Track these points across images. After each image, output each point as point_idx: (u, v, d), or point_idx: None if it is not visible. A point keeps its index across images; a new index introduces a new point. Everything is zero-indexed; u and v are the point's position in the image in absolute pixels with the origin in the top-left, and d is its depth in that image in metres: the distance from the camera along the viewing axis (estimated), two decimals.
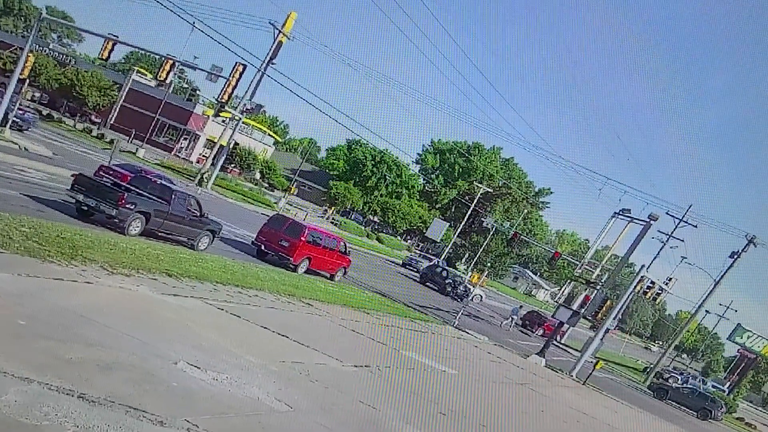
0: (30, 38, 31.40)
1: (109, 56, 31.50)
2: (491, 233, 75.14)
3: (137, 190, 18.19)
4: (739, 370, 62.13)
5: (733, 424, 44.67)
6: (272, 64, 43.50)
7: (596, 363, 29.24)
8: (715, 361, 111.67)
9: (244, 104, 44.98)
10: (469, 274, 64.82)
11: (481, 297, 49.97)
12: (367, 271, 34.36)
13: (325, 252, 24.81)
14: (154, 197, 18.47)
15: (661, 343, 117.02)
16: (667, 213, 37.07)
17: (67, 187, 18.29)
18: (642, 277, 30.49)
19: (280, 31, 43.09)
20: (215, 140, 52.45)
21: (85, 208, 17.65)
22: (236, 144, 58.14)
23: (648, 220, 29.48)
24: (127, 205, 17.18)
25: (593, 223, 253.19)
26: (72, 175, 18.78)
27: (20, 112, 38.71)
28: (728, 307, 60.24)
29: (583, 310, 29.07)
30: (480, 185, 78.56)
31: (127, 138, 53.76)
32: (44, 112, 50.20)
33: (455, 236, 76.07)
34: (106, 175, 20.53)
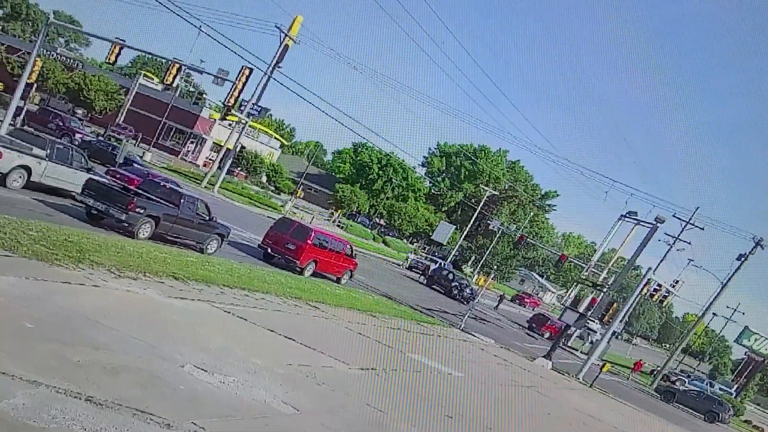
0: (37, 43, 31.58)
1: (116, 60, 31.69)
2: (497, 236, 75.09)
3: (147, 195, 18.27)
4: (746, 373, 61.69)
5: (741, 427, 44.42)
6: (278, 67, 43.56)
7: (603, 365, 29.16)
8: (723, 363, 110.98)
9: (251, 105, 45.01)
10: (476, 276, 64.79)
11: None
12: (374, 274, 34.35)
13: (331, 255, 24.81)
14: (163, 201, 18.54)
15: (668, 345, 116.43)
16: (673, 215, 36.99)
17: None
18: (648, 279, 30.41)
19: (286, 35, 43.15)
20: (222, 143, 52.59)
21: (96, 212, 17.74)
22: (243, 147, 58.27)
23: (654, 222, 29.41)
24: (136, 210, 17.26)
25: (600, 226, 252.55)
26: None
27: (114, 152, 33.76)
28: (735, 310, 59.90)
29: (589, 313, 29.02)
30: (486, 188, 78.45)
31: (134, 141, 53.95)
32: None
33: (461, 239, 75.98)
34: (112, 179, 20.65)
